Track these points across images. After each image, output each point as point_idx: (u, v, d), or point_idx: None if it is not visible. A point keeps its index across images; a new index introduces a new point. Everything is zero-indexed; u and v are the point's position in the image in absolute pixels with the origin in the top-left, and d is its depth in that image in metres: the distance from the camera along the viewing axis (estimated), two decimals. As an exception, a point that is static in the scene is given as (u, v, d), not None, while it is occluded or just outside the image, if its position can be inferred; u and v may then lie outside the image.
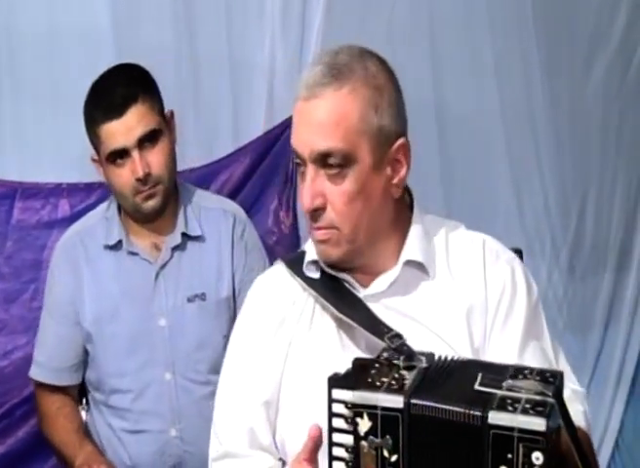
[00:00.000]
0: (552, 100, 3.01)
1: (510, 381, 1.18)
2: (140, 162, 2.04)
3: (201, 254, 2.19)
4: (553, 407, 1.13)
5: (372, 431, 1.20)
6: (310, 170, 1.40)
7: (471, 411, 1.15)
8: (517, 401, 1.14)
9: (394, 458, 1.20)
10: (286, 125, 2.81)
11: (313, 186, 1.40)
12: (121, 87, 2.06)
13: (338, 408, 1.23)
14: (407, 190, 1.53)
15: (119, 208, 2.18)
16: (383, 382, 1.21)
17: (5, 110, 2.60)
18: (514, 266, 1.51)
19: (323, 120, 1.38)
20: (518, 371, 1.21)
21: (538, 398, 1.14)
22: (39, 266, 2.43)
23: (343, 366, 1.27)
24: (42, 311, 2.25)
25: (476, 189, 3.02)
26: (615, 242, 3.18)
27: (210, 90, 2.75)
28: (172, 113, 2.17)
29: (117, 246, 2.16)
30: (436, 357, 1.28)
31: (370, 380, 1.22)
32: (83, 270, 2.18)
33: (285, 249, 2.68)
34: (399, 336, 1.36)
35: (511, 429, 1.12)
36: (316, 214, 1.42)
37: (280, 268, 1.58)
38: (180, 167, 2.66)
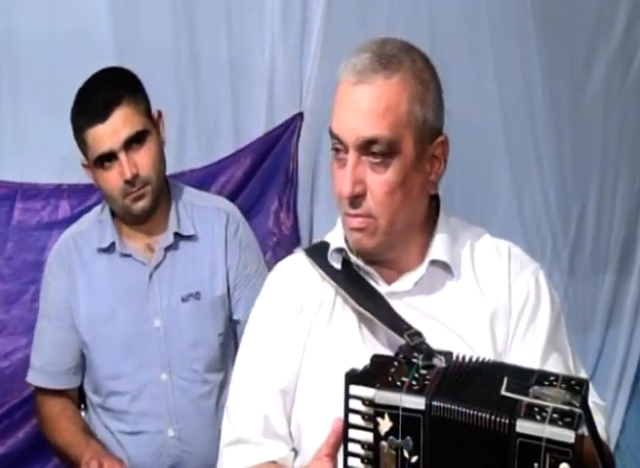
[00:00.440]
0: (552, 101, 3.01)
1: (536, 388, 1.17)
2: (128, 164, 2.04)
3: (194, 254, 2.18)
4: (581, 417, 1.13)
5: (392, 431, 1.20)
6: (353, 156, 1.39)
7: (498, 418, 1.15)
8: (544, 409, 1.14)
9: (414, 459, 1.20)
10: (286, 126, 2.82)
11: (355, 173, 1.39)
12: (104, 91, 2.06)
13: (355, 404, 1.22)
14: None
15: (112, 210, 2.18)
16: (404, 382, 1.21)
17: (5, 111, 2.59)
18: (539, 277, 1.50)
19: (372, 107, 1.37)
20: (543, 377, 1.20)
21: (565, 408, 1.14)
22: (39, 267, 2.42)
23: (364, 359, 1.26)
24: (38, 316, 2.25)
25: (477, 190, 3.02)
26: (616, 243, 3.18)
27: (210, 91, 2.75)
28: (159, 113, 2.17)
29: (110, 248, 2.16)
30: (454, 356, 1.28)
31: (390, 379, 1.22)
32: (77, 274, 2.17)
33: (286, 250, 2.67)
34: (419, 334, 1.35)
35: (539, 439, 1.12)
36: (355, 200, 1.40)
37: (300, 257, 1.57)
38: (180, 168, 2.68)
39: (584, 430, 1.15)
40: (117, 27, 2.61)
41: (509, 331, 1.46)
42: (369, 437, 1.22)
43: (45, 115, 2.57)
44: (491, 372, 1.25)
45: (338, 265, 1.50)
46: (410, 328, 1.37)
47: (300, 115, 2.81)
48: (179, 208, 2.20)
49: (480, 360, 1.28)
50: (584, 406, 1.15)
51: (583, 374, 1.50)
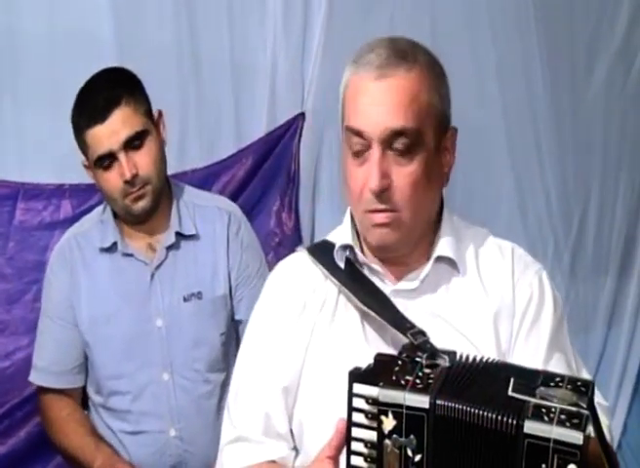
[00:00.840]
0: (554, 101, 3.01)
1: (543, 389, 1.17)
2: (128, 164, 2.04)
3: (196, 253, 2.19)
4: (588, 419, 1.13)
5: (396, 430, 1.20)
6: (377, 150, 1.39)
7: (505, 419, 1.15)
8: (552, 410, 1.14)
9: (418, 458, 1.20)
10: (288, 126, 2.82)
11: (381, 167, 1.39)
12: (104, 91, 2.06)
13: (358, 402, 1.22)
14: None
15: (114, 210, 2.18)
16: (408, 381, 1.21)
17: (6, 111, 2.59)
18: (542, 277, 1.51)
19: (397, 99, 1.38)
20: (549, 378, 1.20)
21: (572, 409, 1.14)
22: (41, 267, 2.42)
23: (367, 358, 1.27)
24: (40, 315, 2.25)
25: (478, 191, 3.02)
26: (617, 245, 3.18)
27: (212, 90, 2.75)
28: (160, 113, 2.17)
29: (112, 248, 2.16)
30: (458, 355, 1.28)
31: (394, 378, 1.22)
32: (80, 273, 2.18)
33: (287, 250, 2.67)
34: (422, 333, 1.35)
35: (547, 440, 1.12)
36: (382, 195, 1.40)
37: (302, 255, 1.57)
38: (182, 168, 2.68)
39: (591, 431, 1.15)
40: (119, 27, 2.61)
41: (513, 331, 1.46)
42: (372, 435, 1.22)
43: (46, 115, 2.57)
44: (496, 373, 1.25)
45: (340, 263, 1.50)
46: (413, 326, 1.37)
47: (302, 115, 2.81)
48: (180, 207, 2.20)
49: (484, 360, 1.28)
50: (591, 407, 1.15)
51: (585, 374, 1.50)
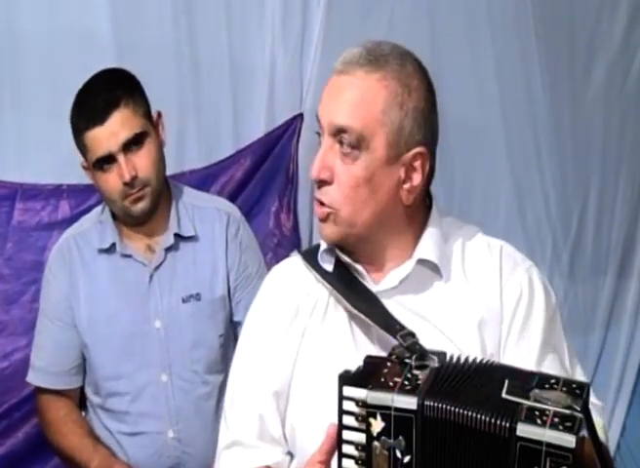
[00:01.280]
0: (553, 101, 3.01)
1: (537, 391, 1.17)
2: (127, 166, 2.04)
3: (195, 254, 2.18)
4: (582, 422, 1.13)
5: (385, 432, 1.20)
6: (326, 141, 1.42)
7: (498, 421, 1.14)
8: (545, 413, 1.14)
9: (407, 459, 1.20)
10: (287, 126, 2.81)
11: (324, 157, 1.42)
12: (103, 93, 2.06)
13: (348, 405, 1.22)
14: (427, 193, 1.53)
15: (112, 211, 2.18)
16: (397, 382, 1.21)
17: (5, 111, 2.59)
18: (532, 274, 1.49)
19: (347, 97, 1.40)
20: (544, 380, 1.20)
21: (566, 412, 1.14)
22: (39, 268, 2.42)
23: (356, 360, 1.27)
24: (38, 316, 2.24)
25: (477, 192, 3.02)
26: (616, 246, 3.18)
27: (210, 91, 2.75)
28: (159, 114, 2.17)
29: (111, 249, 2.16)
30: (448, 357, 1.28)
31: (383, 380, 1.21)
32: (78, 274, 2.17)
33: (286, 251, 2.67)
34: (412, 335, 1.35)
35: (540, 443, 1.12)
36: (321, 185, 1.43)
37: (295, 260, 1.58)
38: (181, 168, 2.67)
39: (585, 432, 1.14)
40: (118, 27, 2.61)
41: (502, 334, 1.45)
42: (362, 438, 1.22)
43: (45, 115, 2.57)
44: (490, 374, 1.24)
45: (329, 267, 1.50)
46: (403, 328, 1.37)
47: (301, 116, 2.81)
48: (179, 208, 2.19)
49: (477, 361, 1.28)
50: (585, 410, 1.15)
51: (579, 373, 1.50)
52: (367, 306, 1.44)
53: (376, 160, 1.40)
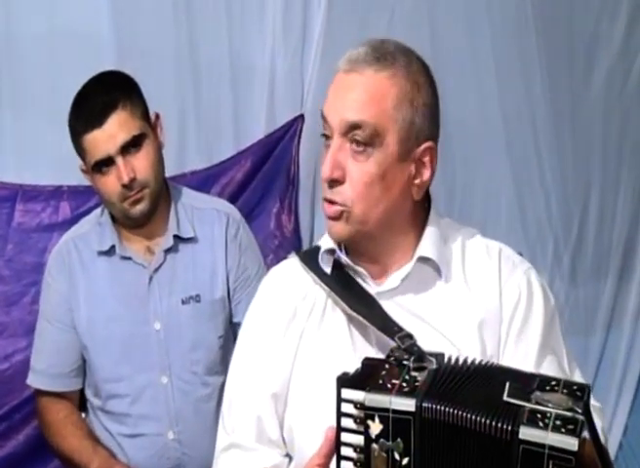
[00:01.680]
0: (553, 103, 3.00)
1: (538, 393, 1.17)
2: (125, 168, 2.04)
3: (194, 256, 2.18)
4: (583, 424, 1.13)
5: (383, 434, 1.19)
6: (336, 141, 1.41)
7: (500, 424, 1.14)
8: (547, 416, 1.13)
9: (405, 461, 1.19)
10: (287, 127, 2.81)
11: (335, 156, 1.41)
12: (100, 95, 2.05)
13: (347, 407, 1.22)
14: (426, 193, 1.53)
15: (112, 213, 2.18)
16: (395, 384, 1.21)
17: (5, 112, 2.59)
18: (531, 277, 1.49)
19: (359, 94, 1.39)
20: (545, 382, 1.20)
21: (568, 414, 1.13)
22: (40, 269, 2.41)
23: (354, 362, 1.27)
24: (38, 318, 2.24)
25: (478, 194, 3.02)
26: (617, 247, 3.18)
27: (211, 92, 2.75)
28: (157, 115, 2.16)
29: (110, 251, 2.16)
30: (446, 358, 1.28)
31: (381, 382, 1.21)
32: (78, 276, 2.17)
33: (287, 252, 2.64)
34: (410, 337, 1.35)
35: (542, 446, 1.11)
36: (333, 185, 1.42)
37: (293, 261, 1.58)
38: (181, 170, 2.67)
39: (586, 435, 1.14)
40: (118, 29, 2.61)
41: (501, 336, 1.45)
42: (361, 440, 1.21)
43: (45, 116, 2.57)
44: (489, 376, 1.24)
45: (328, 268, 1.50)
46: (401, 330, 1.37)
47: (301, 117, 2.81)
48: (178, 210, 2.19)
49: (476, 362, 1.27)
50: (587, 412, 1.15)
51: (578, 376, 1.50)
52: (365, 308, 1.44)
53: (388, 156, 1.40)
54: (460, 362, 1.27)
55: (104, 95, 2.05)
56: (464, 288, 1.47)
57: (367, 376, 1.23)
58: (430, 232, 1.49)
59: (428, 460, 1.19)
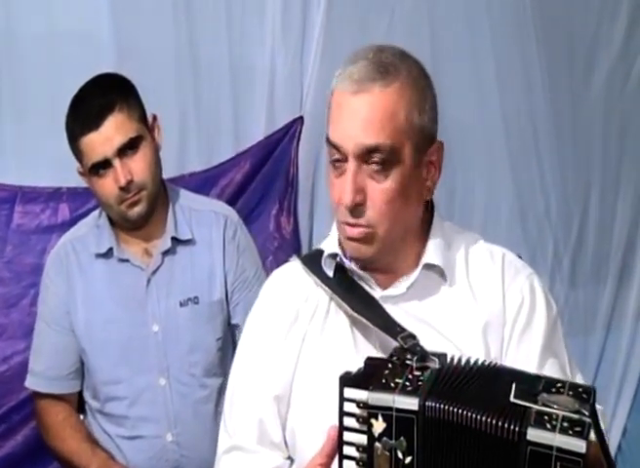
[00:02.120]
0: (554, 104, 3.00)
1: (545, 395, 1.17)
2: (122, 170, 2.04)
3: (192, 258, 2.18)
4: (590, 426, 1.13)
5: (386, 433, 1.20)
6: (352, 165, 1.38)
7: (507, 425, 1.14)
8: (554, 417, 1.13)
9: (408, 460, 1.20)
10: (287, 129, 2.81)
11: (355, 181, 1.38)
12: (97, 98, 2.05)
13: (349, 407, 1.22)
14: None
15: (110, 216, 2.17)
16: (398, 383, 1.21)
17: (4, 113, 2.59)
18: (534, 282, 1.50)
19: (371, 115, 1.37)
20: (551, 384, 1.20)
21: (575, 416, 1.13)
22: (39, 271, 2.40)
23: (356, 364, 1.26)
24: (36, 320, 2.24)
25: (478, 195, 3.02)
26: (617, 250, 3.18)
27: (210, 94, 2.74)
28: (154, 117, 2.16)
29: (108, 253, 2.16)
30: (449, 358, 1.28)
31: (384, 381, 1.21)
32: (76, 278, 2.17)
33: (286, 254, 2.65)
34: (412, 337, 1.34)
35: (550, 448, 1.11)
36: (356, 209, 1.40)
37: (295, 264, 1.58)
38: (180, 171, 2.67)
39: (592, 436, 1.14)
40: (117, 29, 2.61)
41: (504, 339, 1.45)
42: (363, 439, 1.21)
43: (45, 117, 2.56)
44: (493, 376, 1.24)
45: (330, 271, 1.50)
46: (403, 330, 1.37)
47: (301, 119, 2.81)
48: (176, 212, 2.19)
49: (479, 362, 1.28)
50: (593, 414, 1.15)
51: (580, 380, 1.49)
52: (367, 310, 1.44)
53: (406, 169, 1.40)
54: (463, 362, 1.27)
55: (101, 97, 2.05)
56: (469, 292, 1.47)
57: (370, 376, 1.23)
58: (435, 238, 1.49)
59: (431, 459, 1.19)
